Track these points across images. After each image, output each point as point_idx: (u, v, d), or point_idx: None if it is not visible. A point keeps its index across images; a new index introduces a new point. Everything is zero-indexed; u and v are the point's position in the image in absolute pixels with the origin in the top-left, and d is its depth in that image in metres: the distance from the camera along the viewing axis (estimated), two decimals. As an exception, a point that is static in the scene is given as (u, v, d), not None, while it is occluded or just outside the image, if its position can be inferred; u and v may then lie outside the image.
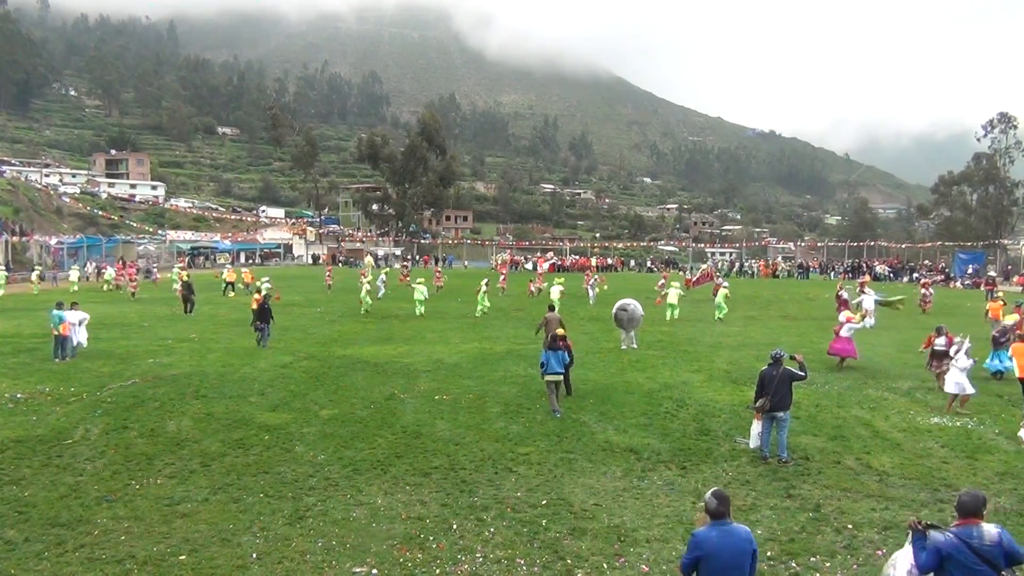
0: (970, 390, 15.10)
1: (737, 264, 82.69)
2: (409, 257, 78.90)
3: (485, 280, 34.73)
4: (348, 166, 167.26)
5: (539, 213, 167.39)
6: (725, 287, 33.62)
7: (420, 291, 32.11)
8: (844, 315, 22.01)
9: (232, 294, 40.96)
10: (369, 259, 70.70)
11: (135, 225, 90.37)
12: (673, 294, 31.79)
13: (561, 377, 15.25)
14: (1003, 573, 5.42)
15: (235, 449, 12.27)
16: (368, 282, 35.10)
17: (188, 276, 36.52)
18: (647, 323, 26.06)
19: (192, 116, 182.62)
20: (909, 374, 19.41)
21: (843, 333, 20.05)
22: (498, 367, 19.88)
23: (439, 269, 52.39)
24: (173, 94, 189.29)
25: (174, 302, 35.20)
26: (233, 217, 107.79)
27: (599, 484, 10.76)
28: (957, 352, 15.41)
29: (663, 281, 41.15)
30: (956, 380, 15.12)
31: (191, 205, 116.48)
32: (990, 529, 5.46)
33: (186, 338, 24.69)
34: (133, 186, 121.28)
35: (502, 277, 47.35)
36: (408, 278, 46.28)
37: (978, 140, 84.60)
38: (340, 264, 79.86)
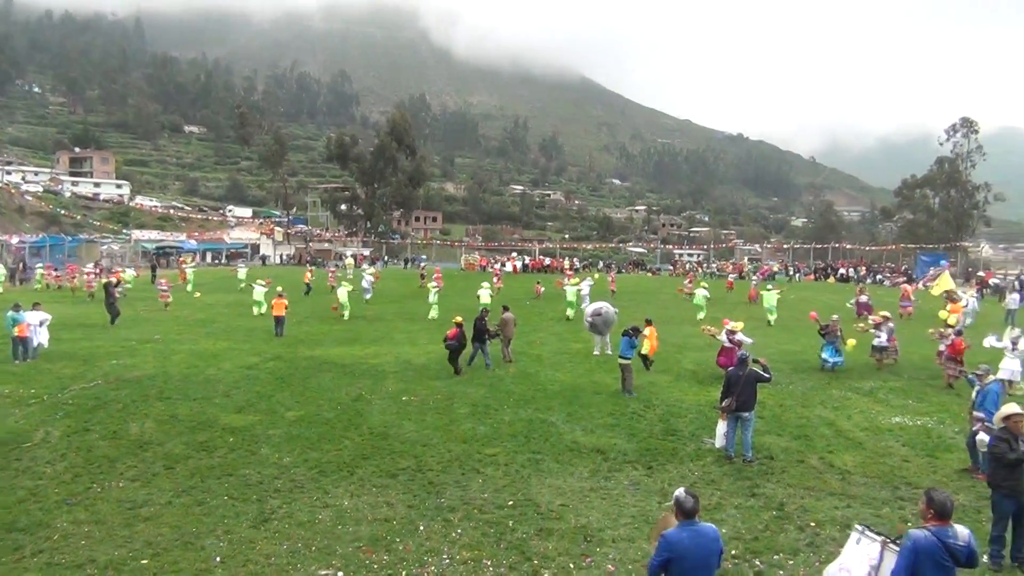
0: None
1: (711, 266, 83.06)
2: (423, 260, 77.49)
3: (485, 283, 34.54)
4: (317, 166, 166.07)
5: (508, 214, 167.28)
6: (705, 288, 34.05)
7: (434, 294, 32.12)
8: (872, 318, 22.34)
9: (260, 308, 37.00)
10: (349, 260, 70.04)
11: (99, 224, 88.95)
12: (700, 295, 32.74)
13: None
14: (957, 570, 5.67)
15: (199, 451, 12.15)
16: (347, 282, 34.47)
17: (119, 281, 35.09)
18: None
19: (158, 114, 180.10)
20: (872, 374, 19.71)
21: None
22: (464, 368, 19.86)
23: (438, 270, 51.81)
24: (139, 92, 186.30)
25: (137, 303, 34.76)
26: (199, 216, 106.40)
27: (566, 484, 10.80)
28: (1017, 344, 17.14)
29: (689, 283, 41.67)
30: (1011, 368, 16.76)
31: (156, 204, 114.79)
32: (962, 530, 5.74)
33: (149, 339, 24.37)
34: (97, 185, 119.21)
35: (496, 278, 47.18)
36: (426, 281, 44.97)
37: (940, 144, 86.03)
38: (309, 265, 79.18)
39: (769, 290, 32.92)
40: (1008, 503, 8.33)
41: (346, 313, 31.18)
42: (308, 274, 45.50)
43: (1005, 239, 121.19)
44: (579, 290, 33.84)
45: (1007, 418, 8.56)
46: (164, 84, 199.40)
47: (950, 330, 19.84)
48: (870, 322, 21.59)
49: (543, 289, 41.88)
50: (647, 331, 19.68)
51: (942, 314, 21.79)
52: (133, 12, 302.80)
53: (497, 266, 67.52)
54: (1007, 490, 8.31)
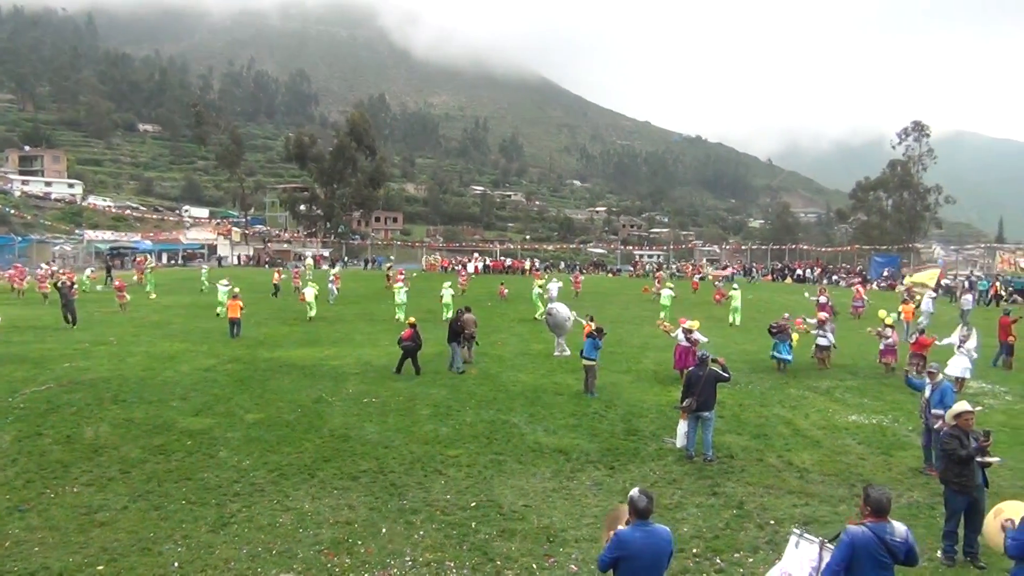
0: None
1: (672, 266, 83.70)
2: (389, 261, 76.68)
3: (447, 284, 34.31)
4: (275, 166, 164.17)
5: (469, 215, 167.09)
6: (671, 288, 34.31)
7: (400, 295, 31.88)
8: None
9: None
10: (309, 261, 69.36)
11: (50, 224, 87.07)
12: (666, 295, 32.98)
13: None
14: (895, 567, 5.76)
15: (156, 455, 11.95)
16: (313, 283, 34.07)
17: (75, 283, 34.28)
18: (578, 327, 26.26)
19: (111, 112, 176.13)
20: (828, 373, 20.05)
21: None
22: (427, 369, 19.78)
23: (401, 271, 51.27)
24: (91, 89, 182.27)
25: (91, 304, 34.09)
26: (155, 216, 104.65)
27: (528, 485, 10.82)
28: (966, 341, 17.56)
29: (657, 283, 41.80)
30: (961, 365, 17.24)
31: (110, 204, 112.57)
32: (900, 526, 5.80)
33: (104, 341, 23.90)
34: (48, 184, 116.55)
35: (462, 279, 47.00)
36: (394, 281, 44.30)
37: (893, 147, 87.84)
38: (267, 266, 78.20)
39: (736, 290, 33.36)
40: (960, 499, 8.51)
41: (312, 313, 30.93)
42: (277, 275, 44.32)
43: (956, 240, 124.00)
44: (541, 292, 33.94)
45: (958, 416, 8.74)
46: (117, 81, 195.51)
47: (888, 329, 20.41)
48: (810, 322, 21.91)
49: (507, 291, 41.90)
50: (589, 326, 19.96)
51: (881, 313, 22.34)
52: (85, 7, 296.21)
53: (460, 267, 67.46)
54: (958, 486, 8.49)
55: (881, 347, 20.27)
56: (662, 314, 30.99)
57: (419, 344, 19.32)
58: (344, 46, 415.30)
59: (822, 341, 20.65)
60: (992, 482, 9.42)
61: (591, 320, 19.81)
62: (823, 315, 22.02)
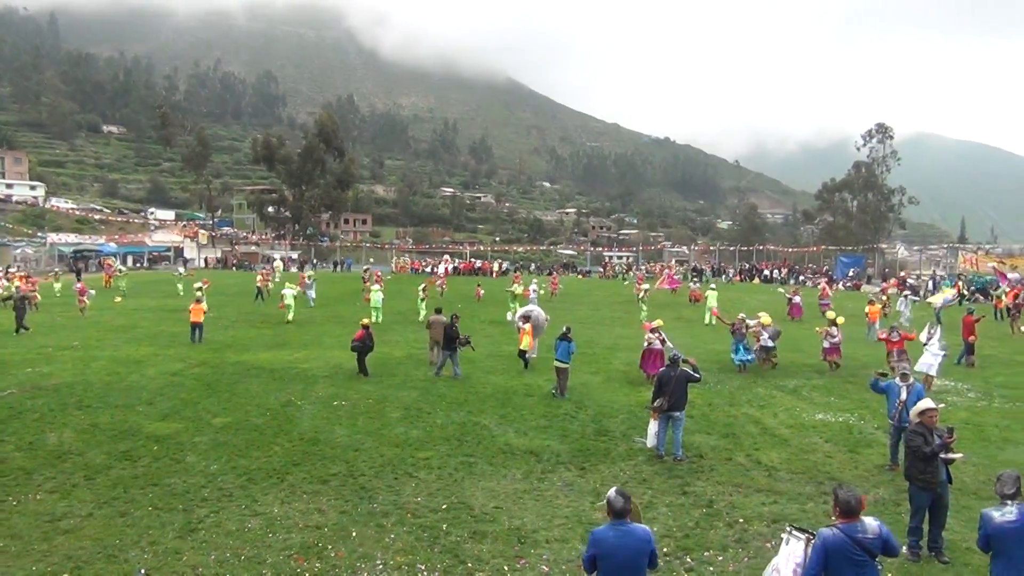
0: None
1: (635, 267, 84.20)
2: (366, 265, 75.85)
3: (423, 286, 34.17)
4: (242, 167, 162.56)
5: (439, 216, 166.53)
6: (646, 289, 34.64)
7: (376, 298, 31.68)
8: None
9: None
10: (278, 263, 68.72)
11: (11, 227, 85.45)
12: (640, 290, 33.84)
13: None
14: (877, 560, 5.86)
15: (122, 461, 11.77)
16: (289, 285, 33.69)
17: (34, 302, 33.21)
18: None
19: (75, 113, 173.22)
20: (795, 372, 20.29)
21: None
22: (397, 372, 19.74)
23: (379, 272, 50.81)
24: (54, 90, 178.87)
25: (54, 308, 33.54)
26: (120, 219, 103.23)
27: (499, 487, 10.81)
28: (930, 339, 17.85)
29: (640, 283, 41.72)
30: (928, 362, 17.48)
31: (73, 206, 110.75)
32: (871, 522, 5.87)
33: (68, 346, 23.52)
34: (9, 186, 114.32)
35: (440, 281, 46.84)
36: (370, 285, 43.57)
37: (857, 149, 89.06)
38: (235, 268, 77.43)
39: (713, 289, 33.71)
40: (924, 496, 8.63)
41: (290, 315, 30.77)
42: (261, 278, 42.80)
43: (919, 241, 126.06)
44: (512, 291, 33.97)
45: (922, 413, 8.86)
46: (81, 82, 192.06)
47: (835, 328, 20.83)
48: (749, 324, 22.08)
49: (483, 292, 41.95)
50: (526, 327, 20.50)
51: (830, 314, 22.67)
52: (47, 7, 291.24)
53: (440, 269, 67.26)
54: (923, 483, 8.61)
55: (826, 345, 20.72)
56: (642, 315, 31.17)
57: (370, 346, 19.36)
58: (312, 47, 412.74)
59: (767, 343, 20.87)
60: (956, 478, 9.60)
61: (527, 319, 20.56)
62: (766, 317, 22.14)
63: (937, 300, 18.17)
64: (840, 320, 21.73)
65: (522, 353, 20.47)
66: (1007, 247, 77.92)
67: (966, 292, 46.85)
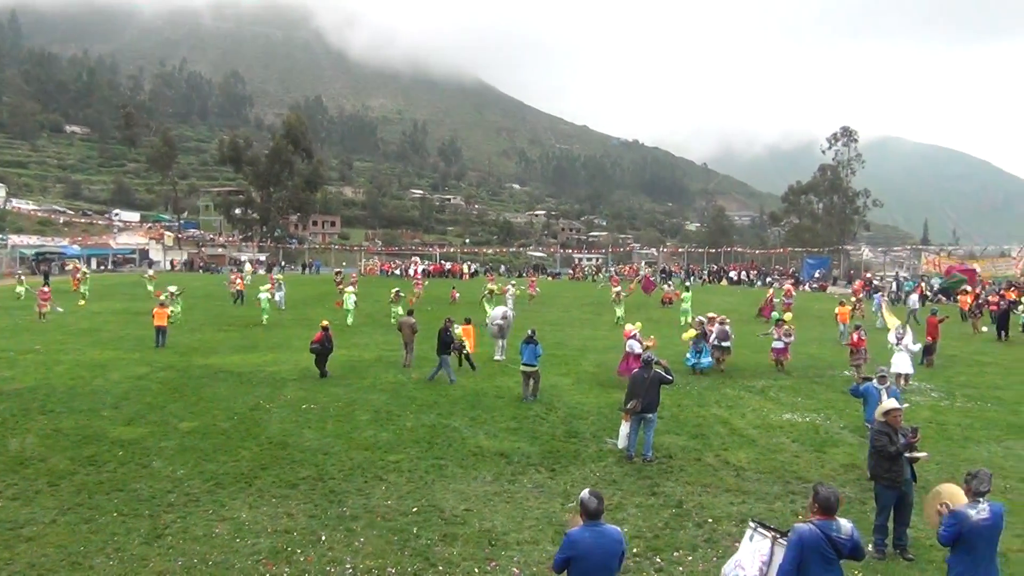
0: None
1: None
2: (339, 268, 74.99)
3: (396, 289, 33.90)
4: (209, 168, 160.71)
5: (408, 218, 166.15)
6: (617, 291, 34.77)
7: (350, 299, 31.43)
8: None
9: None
10: (248, 266, 68.03)
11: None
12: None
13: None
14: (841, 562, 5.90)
15: (86, 466, 11.59)
16: (263, 288, 33.29)
17: None
18: (517, 329, 26.31)
19: (37, 113, 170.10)
20: (763, 373, 20.48)
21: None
22: (367, 374, 19.64)
23: (355, 275, 50.33)
24: (15, 89, 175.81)
25: (16, 311, 32.94)
26: (83, 220, 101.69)
27: (470, 489, 10.79)
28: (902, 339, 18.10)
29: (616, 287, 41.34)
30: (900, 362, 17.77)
31: (35, 208, 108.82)
32: (845, 523, 5.94)
33: (30, 349, 23.09)
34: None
35: (416, 283, 46.44)
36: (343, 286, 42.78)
37: (823, 152, 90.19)
38: (201, 271, 76.56)
39: (688, 290, 33.96)
40: (889, 494, 8.75)
41: (265, 318, 30.50)
42: (239, 281, 41.87)
43: (884, 243, 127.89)
44: (490, 290, 34.03)
45: (887, 413, 8.99)
46: (43, 81, 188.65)
47: (786, 326, 21.30)
48: (692, 322, 22.24)
49: (458, 295, 41.87)
50: (467, 328, 21.25)
51: (788, 316, 23.02)
52: (8, 5, 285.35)
53: (419, 269, 66.96)
54: (888, 482, 8.73)
55: (779, 345, 20.99)
56: (618, 316, 31.27)
57: (329, 348, 19.31)
58: (279, 47, 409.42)
59: (724, 343, 21.03)
60: (920, 476, 9.74)
61: (468, 321, 21.43)
62: (711, 315, 22.31)
63: (891, 336, 18.53)
64: (788, 316, 22.03)
65: (468, 356, 20.77)
66: (968, 248, 79.41)
67: (928, 294, 47.64)
